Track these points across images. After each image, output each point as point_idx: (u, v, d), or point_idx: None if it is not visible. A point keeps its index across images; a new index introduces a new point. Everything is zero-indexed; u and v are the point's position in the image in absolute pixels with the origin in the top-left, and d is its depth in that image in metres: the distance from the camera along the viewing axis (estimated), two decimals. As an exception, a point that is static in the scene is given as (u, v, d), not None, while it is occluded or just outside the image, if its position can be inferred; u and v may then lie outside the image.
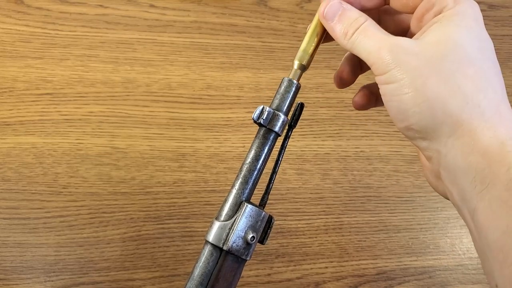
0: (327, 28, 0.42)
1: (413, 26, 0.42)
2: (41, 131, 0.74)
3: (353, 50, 0.40)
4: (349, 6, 0.42)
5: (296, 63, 0.44)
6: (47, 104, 0.77)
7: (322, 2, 0.43)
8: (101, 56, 0.82)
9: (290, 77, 0.44)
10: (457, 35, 0.37)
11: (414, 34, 0.42)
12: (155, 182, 0.74)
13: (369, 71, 0.49)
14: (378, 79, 0.39)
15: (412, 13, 0.42)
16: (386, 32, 0.39)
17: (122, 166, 0.74)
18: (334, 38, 0.42)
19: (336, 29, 0.41)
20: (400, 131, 0.40)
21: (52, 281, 0.66)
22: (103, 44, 0.83)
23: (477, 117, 0.36)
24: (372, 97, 0.49)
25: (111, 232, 0.70)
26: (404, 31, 0.45)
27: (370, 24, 0.40)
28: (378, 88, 0.48)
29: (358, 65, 0.48)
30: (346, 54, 0.48)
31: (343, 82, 0.49)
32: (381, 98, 0.47)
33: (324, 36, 0.45)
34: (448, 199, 0.42)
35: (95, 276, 0.67)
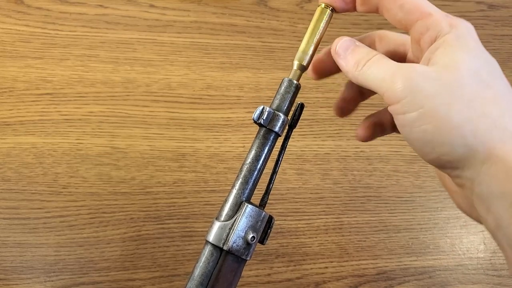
0: (338, 63, 0.42)
1: (413, 49, 0.41)
2: (41, 131, 0.74)
3: (363, 81, 0.39)
4: (361, 44, 0.41)
5: (295, 64, 0.44)
6: (47, 104, 0.77)
7: (335, 40, 0.42)
8: (101, 56, 0.82)
9: (290, 77, 0.44)
10: (466, 61, 0.36)
11: (415, 59, 0.41)
12: (155, 182, 0.74)
13: (370, 99, 0.49)
14: (392, 109, 0.37)
15: (407, 31, 0.41)
16: (397, 62, 0.38)
17: (122, 166, 0.74)
18: (345, 72, 0.41)
19: (348, 63, 0.40)
20: (428, 162, 0.38)
21: (52, 281, 0.66)
22: (103, 44, 0.83)
23: (508, 140, 0.35)
24: (377, 128, 0.47)
25: (111, 232, 0.70)
26: (399, 59, 0.44)
27: (382, 56, 0.39)
28: (386, 118, 0.47)
29: (358, 93, 0.48)
30: (346, 83, 0.48)
31: (343, 111, 0.49)
32: (388, 127, 0.47)
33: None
34: (482, 224, 0.41)
35: (95, 276, 0.67)
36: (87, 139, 0.75)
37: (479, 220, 0.40)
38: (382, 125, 0.47)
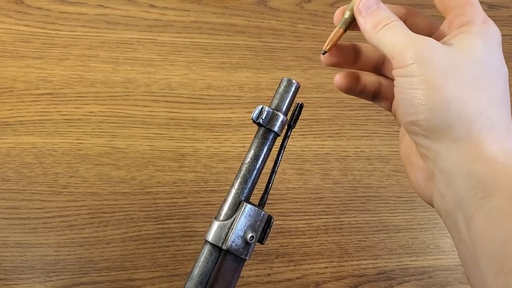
0: (357, 21, 0.42)
1: (441, 32, 0.43)
2: (41, 131, 0.74)
3: (378, 44, 0.40)
4: (384, 6, 0.42)
5: (348, 13, 0.44)
6: (47, 104, 0.77)
7: None
8: (101, 56, 0.82)
9: (339, 26, 0.44)
10: (482, 51, 0.38)
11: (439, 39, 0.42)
12: (155, 182, 0.74)
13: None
14: (396, 72, 0.39)
15: (444, 13, 0.43)
16: (414, 33, 0.40)
17: (122, 166, 0.74)
18: (362, 30, 0.42)
19: (367, 22, 0.41)
20: (403, 125, 0.40)
21: (52, 281, 0.66)
22: (103, 44, 0.83)
23: (487, 128, 0.36)
24: (356, 84, 0.48)
25: (111, 232, 0.70)
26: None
27: (401, 23, 0.40)
28: (370, 81, 0.49)
29: (352, 55, 0.48)
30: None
31: (331, 53, 0.48)
32: (366, 90, 0.49)
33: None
34: (430, 204, 0.43)
35: (95, 276, 0.67)
36: (87, 139, 0.75)
37: (430, 199, 0.42)
38: (363, 85, 0.48)
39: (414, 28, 0.45)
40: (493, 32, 0.39)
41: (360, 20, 0.42)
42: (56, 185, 0.72)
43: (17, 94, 0.77)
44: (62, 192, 0.71)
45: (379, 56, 0.49)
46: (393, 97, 0.48)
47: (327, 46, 0.45)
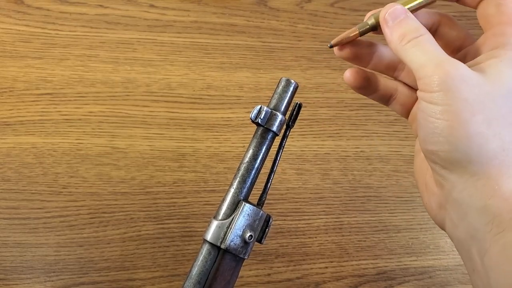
0: (383, 30, 0.40)
1: (473, 48, 0.41)
2: (41, 131, 0.74)
3: (404, 58, 0.38)
4: (413, 16, 0.40)
5: (372, 19, 0.42)
6: (47, 104, 0.77)
7: (387, 5, 0.41)
8: (101, 56, 0.82)
9: (357, 27, 0.42)
10: (511, 82, 0.36)
11: (468, 57, 0.41)
12: (155, 182, 0.74)
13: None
14: (420, 94, 0.37)
15: (484, 28, 0.41)
16: (444, 52, 0.38)
17: (122, 166, 0.74)
18: (388, 42, 0.40)
19: (394, 32, 0.39)
20: (422, 150, 0.39)
21: (52, 281, 0.66)
22: (103, 44, 0.83)
23: (507, 165, 0.36)
24: (366, 84, 0.46)
25: (111, 232, 0.70)
26: (452, 51, 0.44)
27: (430, 38, 0.38)
28: (386, 85, 0.47)
29: (367, 53, 0.46)
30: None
31: (344, 48, 0.46)
32: (380, 93, 0.47)
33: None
34: (442, 228, 0.42)
35: (95, 276, 0.67)
36: (87, 139, 0.75)
37: (441, 223, 0.42)
38: (375, 87, 0.47)
39: (444, 38, 0.44)
40: None
41: (386, 31, 0.40)
42: (56, 185, 0.72)
43: (17, 94, 0.77)
44: (62, 192, 0.71)
45: (399, 61, 0.47)
46: (411, 106, 0.47)
47: (335, 41, 0.44)
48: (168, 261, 0.69)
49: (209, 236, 0.40)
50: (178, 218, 0.72)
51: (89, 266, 0.68)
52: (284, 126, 0.44)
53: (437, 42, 0.39)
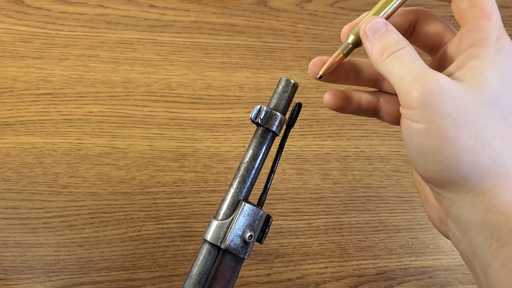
0: (364, 45, 0.39)
1: (451, 45, 0.40)
2: (41, 131, 0.74)
3: (385, 73, 0.37)
4: (394, 29, 0.38)
5: (351, 38, 0.41)
6: (47, 104, 0.77)
7: (367, 17, 0.40)
8: (101, 56, 0.82)
9: (340, 50, 0.42)
10: (497, 85, 0.35)
11: (447, 56, 0.40)
12: (155, 182, 0.74)
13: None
14: (403, 112, 0.37)
15: (460, 23, 0.39)
16: (425, 65, 0.36)
17: (122, 166, 0.74)
18: (368, 56, 0.39)
19: (374, 47, 0.38)
20: (415, 170, 0.38)
21: (52, 281, 0.66)
22: (103, 44, 0.83)
23: (502, 176, 0.35)
24: (347, 103, 0.45)
25: (111, 232, 0.70)
26: (431, 48, 0.43)
27: (410, 51, 0.37)
28: (365, 98, 0.45)
29: (352, 74, 0.46)
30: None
31: (330, 80, 0.45)
32: (363, 108, 0.46)
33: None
34: (447, 238, 0.41)
35: (95, 276, 0.67)
36: (87, 139, 0.75)
37: (446, 235, 0.41)
38: (357, 104, 0.45)
39: (424, 35, 0.43)
40: (508, 51, 0.36)
41: (367, 45, 0.39)
42: (56, 185, 0.72)
43: (17, 94, 0.77)
44: (62, 192, 0.71)
45: (378, 72, 0.45)
46: (398, 113, 0.43)
47: (323, 71, 0.43)
48: (168, 261, 0.69)
49: (209, 236, 0.40)
50: (178, 218, 0.72)
51: (89, 266, 0.68)
52: (284, 126, 0.44)
53: (416, 40, 0.40)
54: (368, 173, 0.79)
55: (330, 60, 0.42)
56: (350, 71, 0.45)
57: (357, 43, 0.41)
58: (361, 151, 0.80)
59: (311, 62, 0.44)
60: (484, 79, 0.35)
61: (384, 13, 0.40)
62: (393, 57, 0.37)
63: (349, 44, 0.41)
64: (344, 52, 0.42)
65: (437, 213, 0.41)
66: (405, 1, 0.41)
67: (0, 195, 0.70)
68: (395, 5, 0.40)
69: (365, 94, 0.46)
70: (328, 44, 0.89)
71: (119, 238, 0.70)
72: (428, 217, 0.44)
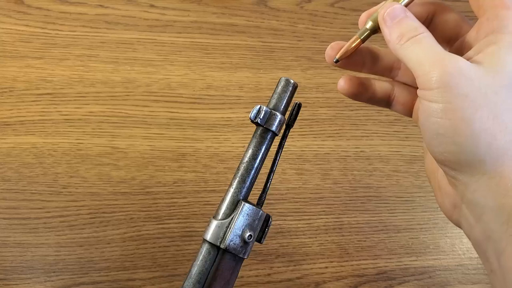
0: (382, 30, 0.39)
1: (469, 35, 0.40)
2: (41, 131, 0.74)
3: (403, 57, 0.37)
4: (412, 15, 0.39)
5: (370, 23, 0.41)
6: (47, 104, 0.77)
7: (386, 3, 0.40)
8: (101, 56, 0.82)
9: (357, 35, 0.42)
10: None
11: (465, 44, 0.40)
12: (155, 182, 0.74)
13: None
14: (422, 94, 0.36)
15: (477, 13, 0.39)
16: (443, 49, 0.36)
17: (122, 166, 0.74)
18: (386, 41, 0.39)
19: (392, 32, 0.38)
20: (430, 153, 0.38)
21: (52, 281, 0.66)
22: (103, 44, 0.83)
23: None
24: (362, 90, 0.45)
25: (111, 232, 0.70)
26: (448, 40, 0.43)
27: (429, 36, 0.37)
28: (380, 87, 0.45)
29: (369, 60, 0.45)
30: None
31: (343, 60, 0.44)
32: (377, 97, 0.45)
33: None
34: (458, 227, 0.41)
35: (95, 276, 0.67)
36: (87, 139, 0.75)
37: (457, 222, 0.41)
38: (372, 92, 0.46)
39: (440, 27, 0.43)
40: None
41: (385, 31, 0.39)
42: (56, 185, 0.72)
43: (17, 94, 0.77)
44: (62, 192, 0.71)
45: (394, 61, 0.46)
46: (412, 104, 0.45)
47: (340, 54, 0.42)
48: (168, 261, 0.69)
49: (208, 235, 0.40)
50: (178, 218, 0.72)
51: (89, 266, 0.68)
52: (284, 126, 0.44)
53: (433, 32, 0.39)
54: (368, 173, 0.79)
55: (347, 44, 0.42)
56: (367, 57, 0.45)
57: (375, 29, 0.41)
58: (361, 151, 0.80)
59: (329, 46, 0.43)
60: (503, 63, 0.35)
61: (403, 0, 0.40)
62: (412, 42, 0.37)
63: (367, 29, 0.41)
64: (362, 37, 0.42)
65: (450, 200, 0.41)
66: None
67: (0, 195, 0.70)
68: None
69: (380, 82, 0.46)
70: (328, 44, 0.89)
71: (119, 238, 0.70)
72: (439, 206, 0.43)
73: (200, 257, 0.41)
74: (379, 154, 0.80)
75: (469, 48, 0.39)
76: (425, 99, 0.36)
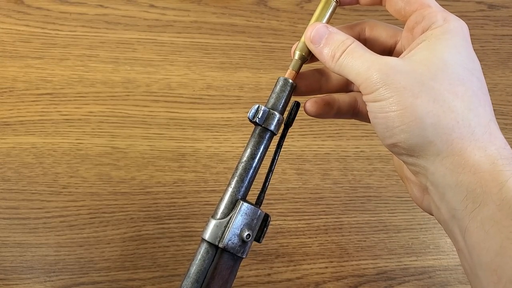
0: (314, 53, 0.42)
1: (405, 39, 0.43)
2: (41, 131, 0.75)
3: (341, 72, 0.40)
4: (335, 29, 0.42)
5: (297, 54, 0.44)
6: (47, 104, 0.77)
7: (308, 26, 0.43)
8: (101, 56, 0.82)
9: (290, 68, 0.44)
10: (446, 54, 0.38)
11: (403, 48, 0.42)
12: (155, 182, 0.74)
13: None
14: (366, 98, 0.39)
15: (404, 21, 0.42)
16: (374, 53, 0.39)
17: (122, 166, 0.74)
18: (322, 62, 0.42)
19: (324, 53, 0.41)
20: (386, 147, 0.40)
21: (52, 281, 0.66)
22: (103, 44, 0.83)
23: (468, 136, 0.36)
24: (328, 109, 0.47)
25: (111, 232, 0.70)
26: (389, 50, 0.46)
27: (357, 45, 0.40)
28: (342, 100, 0.48)
29: (317, 82, 0.48)
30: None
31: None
32: (343, 111, 0.48)
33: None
34: (430, 214, 0.43)
35: (95, 276, 0.67)
36: (87, 139, 0.75)
37: (429, 210, 0.42)
38: (337, 108, 0.48)
39: (377, 40, 0.45)
40: (456, 29, 0.39)
41: (316, 53, 0.42)
42: (56, 185, 0.72)
43: (17, 94, 0.77)
44: (62, 192, 0.71)
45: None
46: None
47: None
48: (168, 261, 0.69)
49: (207, 235, 0.41)
50: (178, 218, 0.72)
51: (89, 266, 0.68)
52: (282, 126, 0.45)
53: (371, 47, 0.41)
54: (368, 173, 0.79)
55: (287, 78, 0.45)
56: (320, 79, 0.48)
57: (304, 57, 0.44)
58: (361, 151, 0.80)
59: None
60: (434, 52, 0.38)
61: (324, 18, 0.43)
62: (344, 56, 0.40)
63: (297, 60, 0.44)
64: (295, 69, 0.44)
65: (417, 188, 0.43)
66: (338, 4, 0.44)
67: (0, 195, 0.70)
68: (331, 9, 0.44)
69: (343, 96, 0.48)
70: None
71: (119, 238, 0.70)
72: (411, 197, 0.45)
73: (199, 256, 0.41)
74: (379, 154, 0.80)
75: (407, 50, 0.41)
76: (371, 101, 0.38)
